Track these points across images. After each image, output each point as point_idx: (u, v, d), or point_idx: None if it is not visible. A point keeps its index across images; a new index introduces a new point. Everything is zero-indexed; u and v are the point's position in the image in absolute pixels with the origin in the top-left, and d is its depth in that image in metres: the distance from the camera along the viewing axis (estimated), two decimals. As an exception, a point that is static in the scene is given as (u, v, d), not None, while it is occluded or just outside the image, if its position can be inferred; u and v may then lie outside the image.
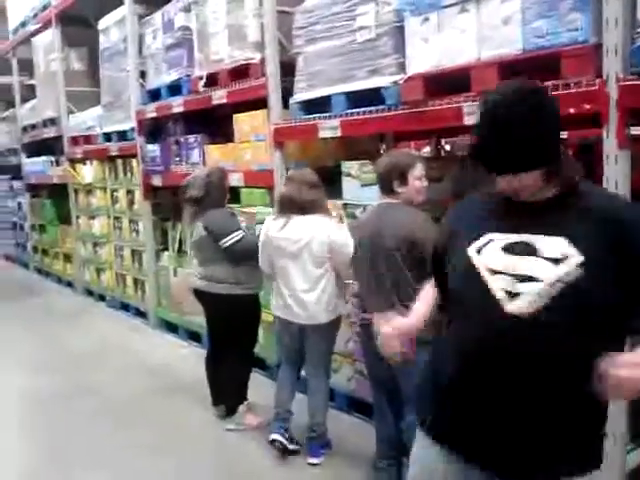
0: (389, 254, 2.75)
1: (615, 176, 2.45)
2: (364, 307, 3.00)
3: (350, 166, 3.83)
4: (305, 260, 3.25)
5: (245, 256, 3.61)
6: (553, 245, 1.47)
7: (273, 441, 3.44)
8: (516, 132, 1.45)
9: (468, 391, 1.55)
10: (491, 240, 1.55)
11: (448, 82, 3.08)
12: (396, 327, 1.87)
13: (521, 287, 1.46)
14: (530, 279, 1.46)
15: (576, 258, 1.45)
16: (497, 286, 1.48)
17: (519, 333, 1.45)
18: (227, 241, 3.65)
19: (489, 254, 1.54)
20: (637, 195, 2.49)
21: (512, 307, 1.46)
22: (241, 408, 3.87)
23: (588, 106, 2.42)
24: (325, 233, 3.22)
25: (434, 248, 1.86)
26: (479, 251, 1.55)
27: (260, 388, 4.15)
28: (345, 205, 3.84)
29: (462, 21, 2.96)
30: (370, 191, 3.47)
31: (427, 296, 1.91)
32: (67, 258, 8.52)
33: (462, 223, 1.69)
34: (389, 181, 2.87)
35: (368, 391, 3.32)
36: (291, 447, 3.46)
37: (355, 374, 3.87)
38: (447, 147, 4.89)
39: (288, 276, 3.32)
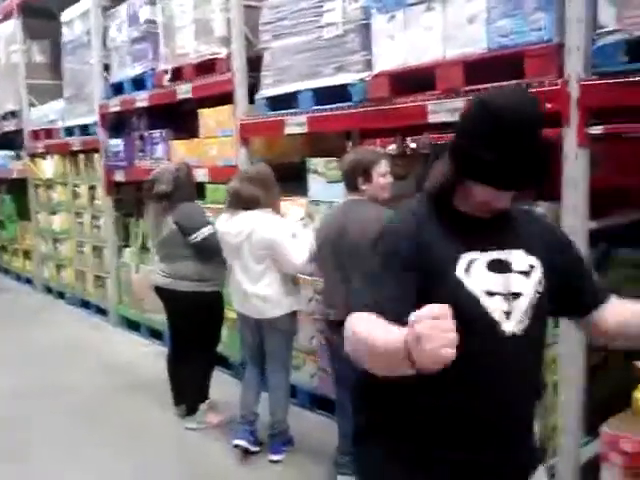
0: (353, 250, 2.74)
1: (575, 175, 2.49)
2: (330, 304, 2.99)
3: (316, 163, 3.81)
4: (247, 255, 3.23)
5: (213, 252, 3.56)
6: (519, 258, 1.47)
7: (237, 446, 3.41)
8: (541, 145, 1.38)
9: (480, 421, 1.44)
10: (472, 260, 1.43)
11: (414, 80, 3.09)
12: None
13: (514, 305, 1.43)
14: (518, 295, 1.44)
15: (539, 268, 1.48)
16: (494, 307, 1.42)
17: (519, 350, 1.43)
18: (197, 236, 3.61)
19: (479, 276, 1.42)
20: (596, 194, 2.53)
21: (510, 327, 1.42)
22: (202, 407, 3.82)
23: (550, 105, 2.46)
24: (265, 229, 3.18)
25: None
26: (467, 274, 1.42)
27: (223, 386, 4.12)
28: (311, 202, 3.83)
29: (428, 19, 2.98)
30: (336, 188, 3.45)
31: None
32: (27, 255, 8.32)
33: (424, 246, 1.42)
34: (353, 178, 2.87)
35: (331, 388, 3.31)
36: (253, 449, 3.43)
37: (318, 371, 3.86)
38: (412, 145, 4.94)
39: (234, 271, 3.32)
